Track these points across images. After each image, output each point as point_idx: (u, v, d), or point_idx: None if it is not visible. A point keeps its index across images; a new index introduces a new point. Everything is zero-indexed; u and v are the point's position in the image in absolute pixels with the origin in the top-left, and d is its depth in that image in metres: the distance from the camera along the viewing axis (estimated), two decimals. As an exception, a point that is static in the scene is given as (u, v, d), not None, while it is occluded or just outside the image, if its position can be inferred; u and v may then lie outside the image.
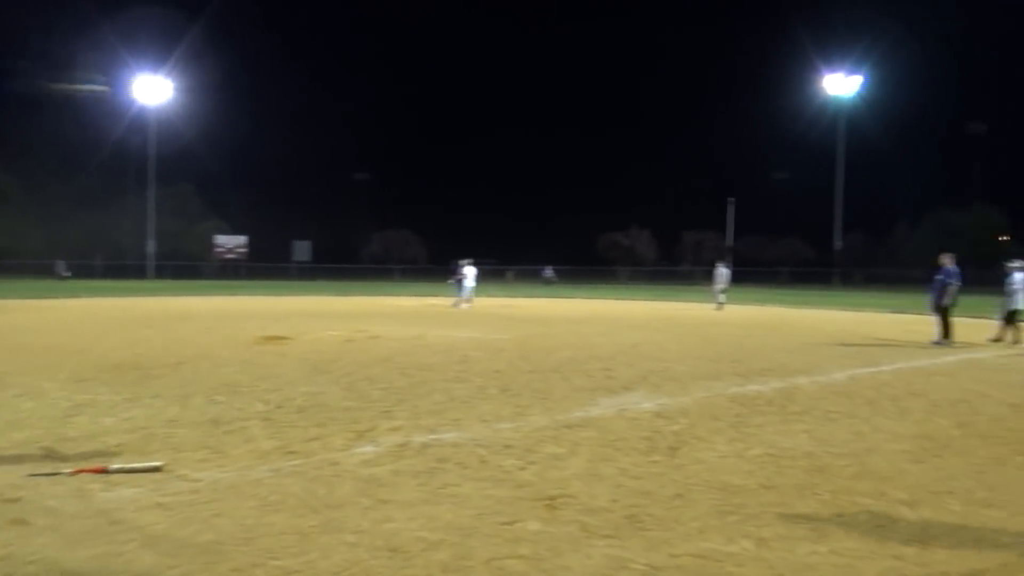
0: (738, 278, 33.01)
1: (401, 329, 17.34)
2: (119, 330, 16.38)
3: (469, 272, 28.24)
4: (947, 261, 16.06)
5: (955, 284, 15.75)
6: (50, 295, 32.88)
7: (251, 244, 75.51)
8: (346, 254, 79.60)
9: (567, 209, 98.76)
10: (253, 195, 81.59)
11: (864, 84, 69.70)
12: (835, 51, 77.10)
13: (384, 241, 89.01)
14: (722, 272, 29.44)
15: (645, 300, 36.14)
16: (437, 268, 77.92)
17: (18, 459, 5.58)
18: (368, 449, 6.03)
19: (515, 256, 74.21)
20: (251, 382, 9.17)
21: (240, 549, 3.92)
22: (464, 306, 27.13)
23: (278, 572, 3.65)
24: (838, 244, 71.91)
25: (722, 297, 28.90)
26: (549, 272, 59.96)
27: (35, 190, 69.45)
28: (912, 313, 24.72)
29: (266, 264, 66.93)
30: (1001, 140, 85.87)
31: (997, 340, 15.84)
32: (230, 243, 75.77)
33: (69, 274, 56.96)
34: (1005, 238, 76.90)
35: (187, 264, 66.75)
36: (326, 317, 21.16)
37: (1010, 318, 15.96)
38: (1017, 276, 16.03)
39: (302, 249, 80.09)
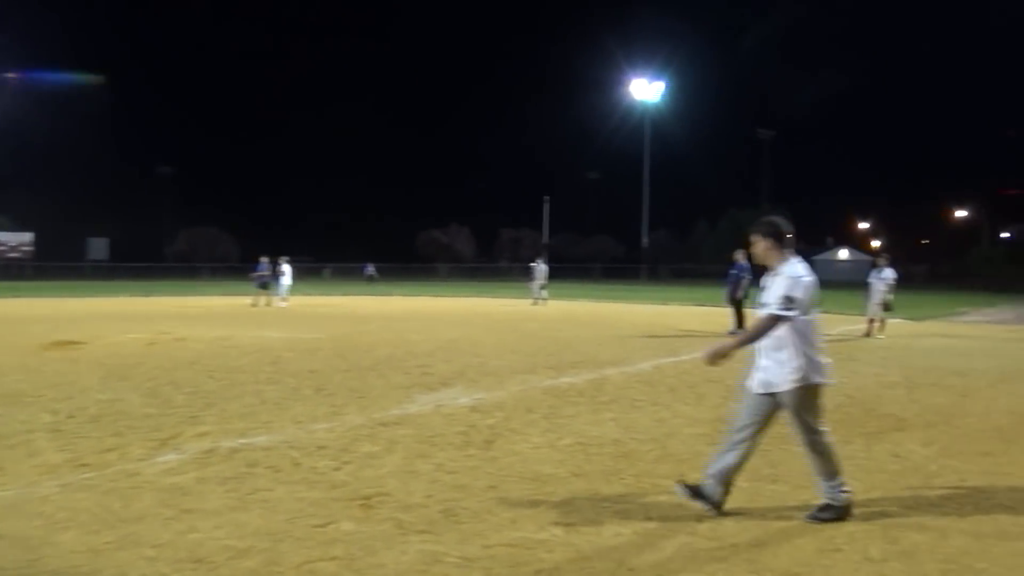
0: (553, 274, 33.96)
1: (209, 330, 16.52)
2: None
3: (286, 270, 27.44)
4: (740, 257, 17.32)
5: (747, 278, 17.04)
6: None
7: (39, 242, 69.30)
8: (148, 252, 74.74)
9: (386, 206, 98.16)
10: (40, 189, 74.96)
11: (666, 90, 73.77)
12: (640, 57, 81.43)
13: (191, 238, 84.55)
14: (540, 268, 30.19)
15: (464, 296, 36.48)
16: (250, 267, 75.08)
17: None
18: (171, 457, 5.71)
19: (333, 254, 72.76)
20: (37, 391, 8.43)
21: (22, 572, 3.60)
22: (281, 304, 26.28)
23: (66, 594, 3.39)
24: (645, 241, 75.80)
25: (544, 293, 29.64)
26: (371, 269, 59.09)
27: None
28: (711, 305, 26.44)
29: (57, 264, 61.63)
30: (786, 145, 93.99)
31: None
32: (12, 241, 69.27)
33: None
34: (790, 236, 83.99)
35: (-42, 265, 60.35)
36: (126, 319, 19.78)
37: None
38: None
39: (98, 247, 74.58)
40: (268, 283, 27.36)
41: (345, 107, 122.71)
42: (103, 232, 75.69)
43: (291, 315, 22.24)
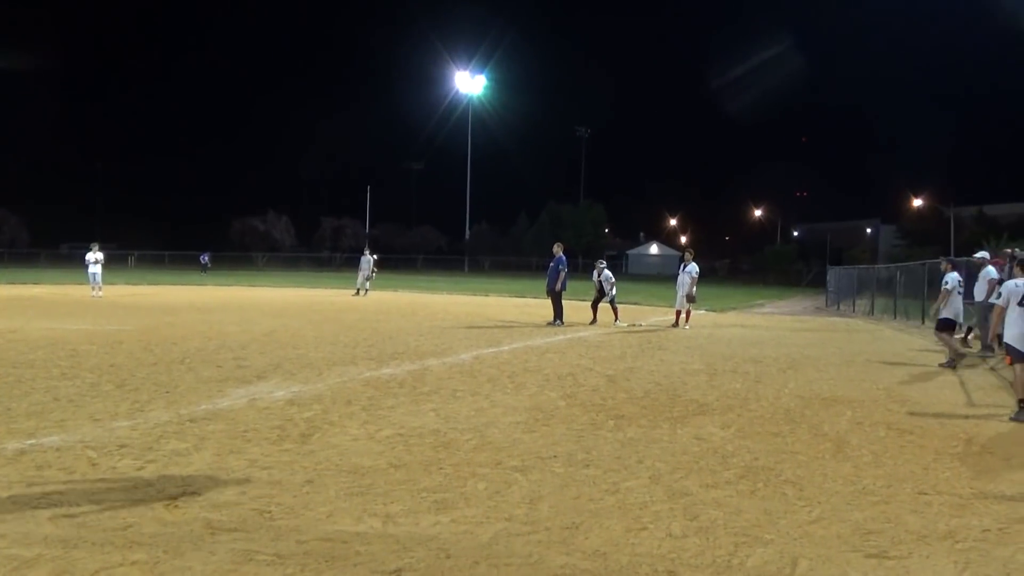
0: (378, 264, 33.62)
1: (-5, 322, 15.06)
2: None
3: (97, 257, 25.54)
4: (558, 250, 17.89)
5: (564, 270, 17.61)
6: None
7: None
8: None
9: (198, 191, 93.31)
10: None
11: (489, 84, 74.77)
12: (463, 51, 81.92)
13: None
14: (366, 259, 29.78)
15: (283, 287, 35.37)
16: (43, 252, 69.03)
17: None
18: (-55, 462, 5.16)
19: (139, 240, 68.30)
20: None
21: None
22: (96, 294, 24.41)
23: None
24: (468, 233, 76.56)
25: (367, 284, 29.26)
26: (206, 258, 55.57)
27: None
28: (531, 297, 27.13)
29: None
30: (602, 144, 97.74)
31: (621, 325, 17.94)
32: None
33: None
34: (607, 230, 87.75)
35: None
36: None
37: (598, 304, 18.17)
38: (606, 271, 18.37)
39: None
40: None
41: (158, 85, 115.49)
42: None
43: (92, 306, 20.69)
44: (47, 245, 73.00)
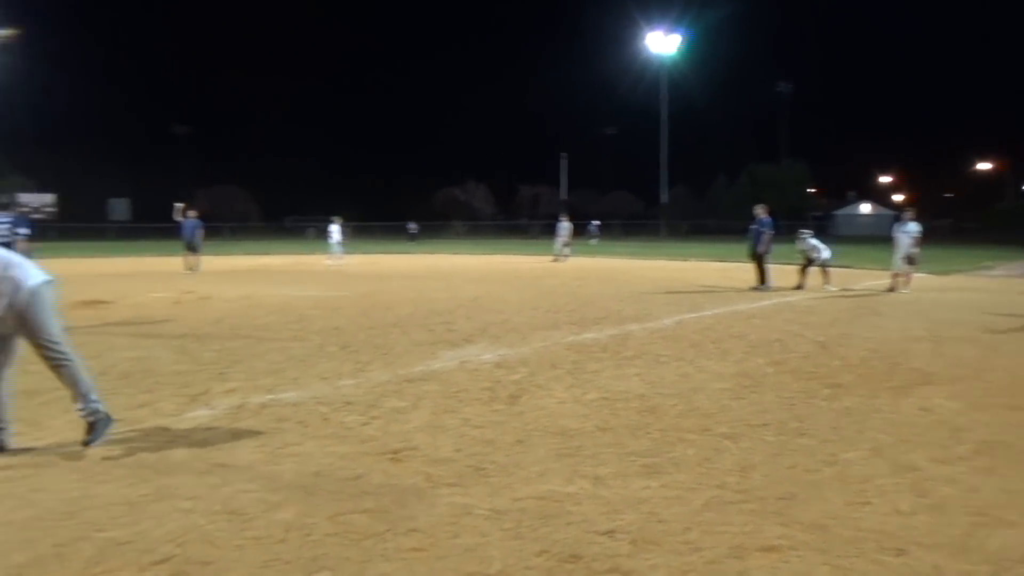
0: (577, 231, 33.90)
1: (232, 289, 16.65)
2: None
3: (334, 229, 28.41)
4: (761, 212, 17.19)
5: (768, 232, 16.90)
6: None
7: (61, 203, 69.67)
8: (169, 212, 75.13)
9: (403, 165, 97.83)
10: (60, 151, 75.19)
11: (683, 43, 72.42)
12: (656, 10, 79.91)
13: (211, 198, 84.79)
14: (564, 226, 30.11)
15: (484, 254, 36.49)
16: (271, 225, 75.21)
17: None
18: (201, 413, 5.79)
19: (352, 213, 72.71)
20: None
21: (63, 524, 3.68)
22: (329, 263, 26.96)
23: (106, 543, 3.46)
24: (664, 197, 75.19)
25: (566, 250, 29.61)
26: (413, 227, 58.87)
27: None
28: (732, 261, 26.31)
29: (80, 224, 62.05)
30: (806, 100, 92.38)
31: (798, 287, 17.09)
32: (35, 202, 69.71)
33: None
34: (813, 190, 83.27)
35: (-14, 226, 60.90)
36: (150, 278, 19.99)
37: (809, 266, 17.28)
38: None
39: (119, 207, 74.96)
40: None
41: (360, 66, 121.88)
42: (124, 192, 76.05)
43: (310, 275, 22.36)
44: (274, 218, 79.51)
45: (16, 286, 4.66)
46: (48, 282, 4.86)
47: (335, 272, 23.11)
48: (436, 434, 5.27)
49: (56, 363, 4.78)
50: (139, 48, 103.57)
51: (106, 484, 4.22)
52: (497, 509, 3.91)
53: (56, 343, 4.79)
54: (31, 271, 4.81)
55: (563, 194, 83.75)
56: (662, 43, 71.44)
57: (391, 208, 74.34)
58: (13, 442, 4.83)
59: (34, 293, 4.72)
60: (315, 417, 5.68)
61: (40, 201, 69.91)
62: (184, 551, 3.40)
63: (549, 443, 5.07)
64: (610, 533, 3.60)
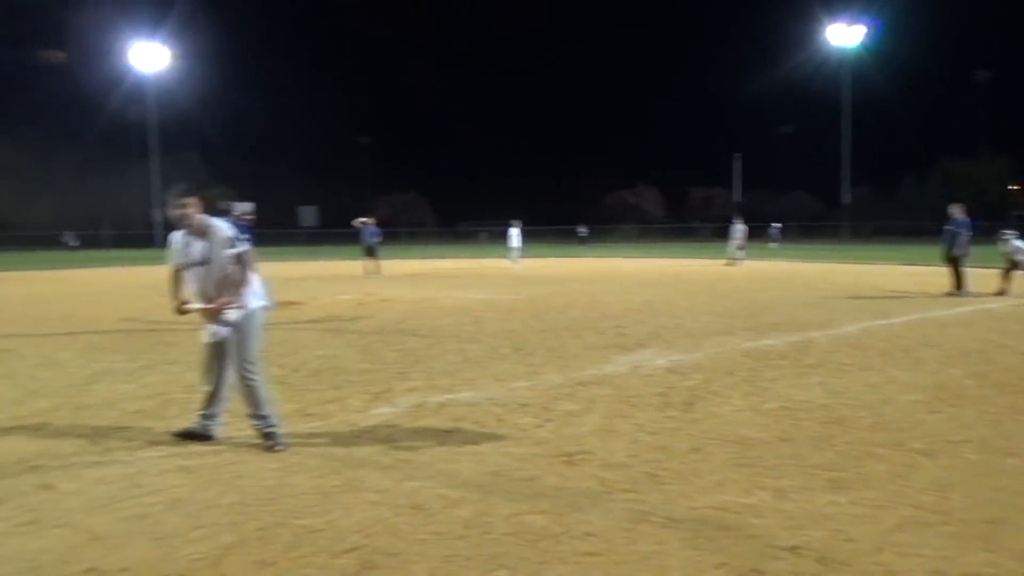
0: (751, 234, 32.79)
1: (411, 291, 17.37)
2: (131, 298, 16.45)
3: (514, 232, 29.37)
4: (957, 212, 15.93)
5: (966, 234, 15.64)
6: (60, 266, 33.01)
7: (256, 211, 75.20)
8: (352, 218, 79.42)
9: (573, 168, 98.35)
10: (256, 162, 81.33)
11: (868, 34, 68.38)
12: (838, 1, 75.84)
13: (391, 204, 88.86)
14: (738, 228, 29.26)
15: (654, 258, 36.06)
16: (445, 231, 77.81)
17: (40, 427, 5.64)
18: (385, 410, 6.07)
19: (524, 217, 73.97)
20: (265, 346, 9.19)
21: (264, 509, 3.97)
22: (511, 265, 28.04)
23: (302, 531, 3.69)
24: (846, 197, 71.28)
25: (740, 254, 28.77)
26: (583, 231, 59.27)
27: (39, 160, 69.39)
28: (923, 265, 24.60)
29: (273, 231, 66.77)
30: (1007, 88, 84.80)
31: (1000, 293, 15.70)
32: (236, 210, 75.54)
33: (77, 244, 57.18)
34: (1014, 187, 76.27)
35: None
36: (336, 281, 21.21)
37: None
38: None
39: (308, 214, 79.83)
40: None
41: (530, 71, 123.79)
42: (312, 200, 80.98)
43: (484, 278, 22.91)
44: (448, 224, 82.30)
45: (243, 306, 5.04)
46: (263, 307, 5.24)
47: (507, 275, 23.58)
48: (609, 439, 5.25)
49: (247, 381, 5.09)
50: (326, 64, 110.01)
51: (300, 474, 4.51)
52: (673, 517, 3.84)
53: (253, 363, 5.11)
54: (255, 293, 5.16)
55: (737, 196, 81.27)
56: (844, 35, 67.85)
57: (561, 212, 74.95)
58: (220, 432, 5.24)
59: (251, 316, 5.09)
60: (490, 418, 5.81)
61: (241, 209, 75.67)
62: (371, 542, 3.57)
63: (726, 452, 4.94)
64: (794, 549, 3.45)
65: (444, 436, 5.32)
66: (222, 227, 5.08)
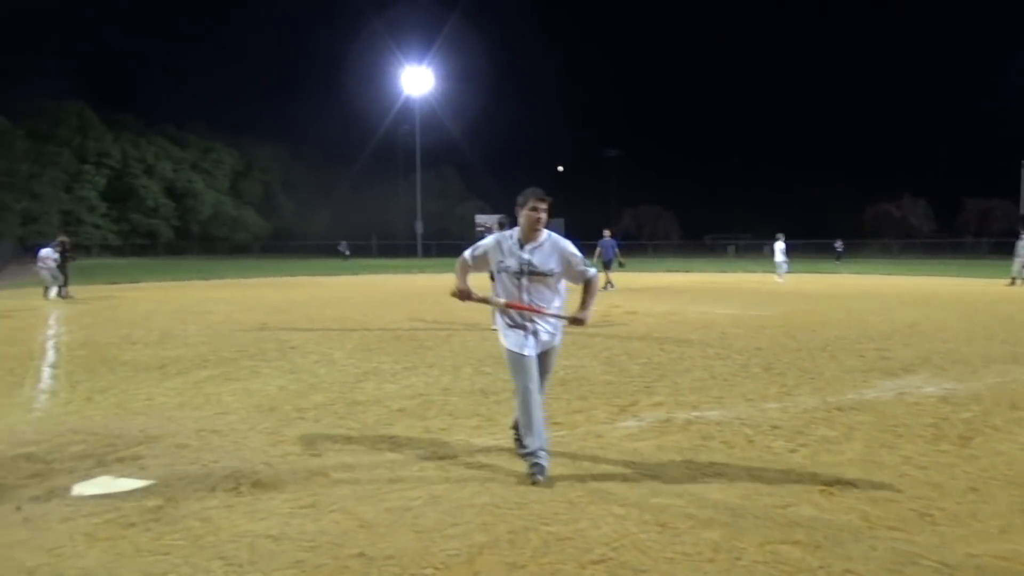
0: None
1: (656, 304, 17.24)
2: (395, 305, 17.75)
3: (779, 247, 28.98)
4: None
5: None
6: (335, 272, 36.42)
7: (507, 224, 78.42)
8: (596, 231, 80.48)
9: (831, 179, 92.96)
10: (507, 175, 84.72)
11: None
12: None
13: (636, 217, 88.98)
14: (1024, 244, 26.12)
15: (921, 276, 33.12)
16: (690, 244, 76.57)
17: (319, 419, 6.23)
18: (631, 424, 6.06)
19: (770, 230, 71.07)
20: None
21: (514, 513, 4.10)
22: (778, 280, 27.62)
23: (550, 537, 3.77)
24: None
25: None
26: (839, 245, 55.99)
27: (319, 177, 77.13)
28: None
29: (521, 242, 69.21)
30: None
31: None
32: (488, 222, 79.40)
33: (349, 253, 62.76)
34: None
35: (451, 243, 70.93)
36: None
37: None
38: None
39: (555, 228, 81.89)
40: None
41: (784, 78, 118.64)
42: (559, 213, 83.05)
43: (731, 292, 22.23)
44: (694, 236, 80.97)
45: (558, 325, 4.91)
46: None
47: (756, 290, 22.72)
48: (872, 470, 4.88)
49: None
50: (573, 80, 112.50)
51: (548, 481, 4.61)
52: (948, 563, 3.49)
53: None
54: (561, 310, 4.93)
55: (1023, 207, 72.67)
56: None
57: (814, 224, 71.03)
58: (548, 468, 4.68)
59: (560, 333, 4.96)
60: (740, 438, 5.62)
61: (491, 222, 79.34)
62: (618, 555, 3.57)
63: (1011, 494, 4.41)
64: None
65: (691, 454, 5.21)
66: (568, 243, 4.85)
